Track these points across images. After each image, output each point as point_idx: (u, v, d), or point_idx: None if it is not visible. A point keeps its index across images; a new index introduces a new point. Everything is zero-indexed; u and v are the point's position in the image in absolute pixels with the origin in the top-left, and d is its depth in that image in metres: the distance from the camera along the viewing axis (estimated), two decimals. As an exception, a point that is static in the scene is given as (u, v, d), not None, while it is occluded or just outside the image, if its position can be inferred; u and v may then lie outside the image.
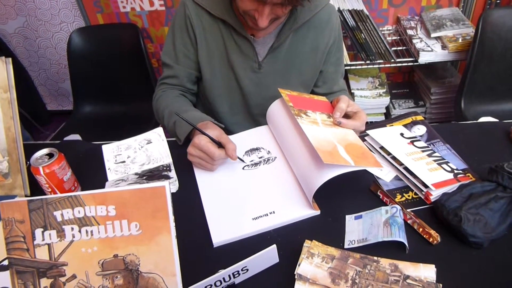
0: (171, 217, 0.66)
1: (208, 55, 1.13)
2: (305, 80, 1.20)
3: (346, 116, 0.98)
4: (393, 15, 2.20)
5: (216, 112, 1.22)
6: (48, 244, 0.66)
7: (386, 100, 2.17)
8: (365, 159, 0.86)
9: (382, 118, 2.24)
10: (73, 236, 0.66)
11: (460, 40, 1.87)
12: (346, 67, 1.97)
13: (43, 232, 0.66)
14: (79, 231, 0.66)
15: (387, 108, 2.24)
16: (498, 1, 2.05)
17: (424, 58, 1.89)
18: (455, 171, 0.91)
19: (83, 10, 2.29)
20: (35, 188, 0.96)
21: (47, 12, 2.37)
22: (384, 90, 2.18)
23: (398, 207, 0.82)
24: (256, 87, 1.17)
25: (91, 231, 0.66)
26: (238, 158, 0.98)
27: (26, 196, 0.97)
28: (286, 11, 0.96)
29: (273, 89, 1.15)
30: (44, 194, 0.92)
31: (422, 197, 0.88)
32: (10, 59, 0.96)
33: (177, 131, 1.04)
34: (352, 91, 2.19)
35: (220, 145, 0.95)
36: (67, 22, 2.40)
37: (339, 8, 1.93)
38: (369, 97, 2.17)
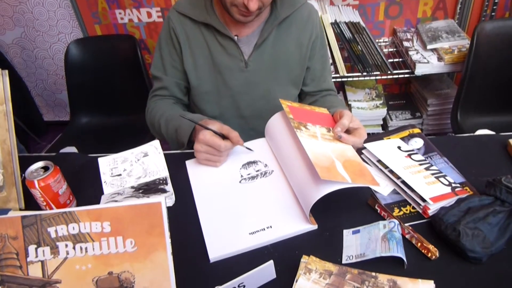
0: (167, 234, 0.66)
1: (194, 62, 1.15)
2: (293, 77, 1.22)
3: (347, 131, 0.98)
4: (389, 27, 2.22)
5: None
6: (42, 261, 0.65)
7: (383, 111, 2.18)
8: (362, 176, 0.85)
9: (379, 129, 2.25)
10: (67, 253, 0.65)
11: (456, 52, 1.89)
12: (343, 79, 1.98)
13: (36, 248, 0.65)
14: (73, 247, 0.65)
15: (384, 119, 2.25)
16: (493, 14, 2.07)
17: (421, 69, 1.90)
18: (453, 185, 0.90)
19: (81, 21, 2.29)
20: (30, 201, 0.95)
21: (45, 23, 2.38)
22: (381, 102, 2.18)
23: (396, 221, 0.81)
24: (244, 87, 1.18)
25: (86, 248, 0.65)
26: (246, 147, 1.02)
27: (20, 209, 0.96)
28: None
29: (261, 87, 1.17)
30: (39, 207, 0.91)
31: (420, 211, 0.87)
32: (6, 71, 0.96)
33: (179, 134, 1.05)
34: (349, 102, 2.20)
35: (223, 137, 0.98)
36: (65, 33, 2.41)
37: (335, 20, 1.95)
38: (366, 109, 2.18)
